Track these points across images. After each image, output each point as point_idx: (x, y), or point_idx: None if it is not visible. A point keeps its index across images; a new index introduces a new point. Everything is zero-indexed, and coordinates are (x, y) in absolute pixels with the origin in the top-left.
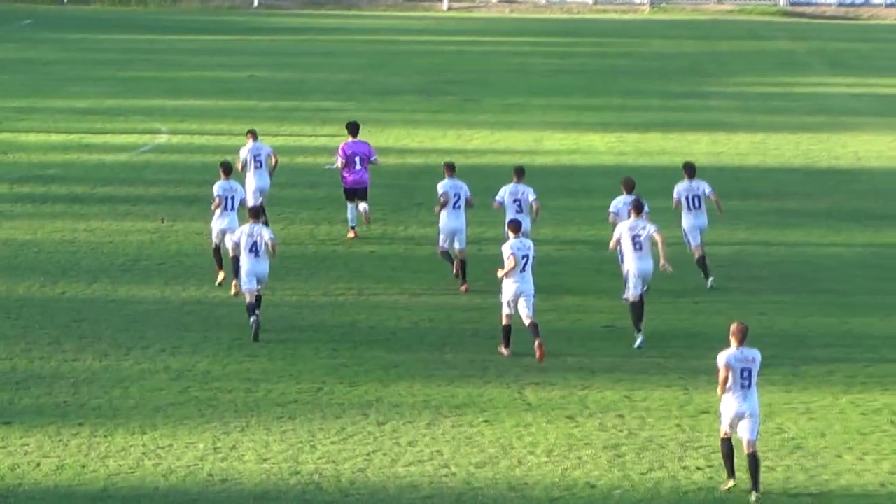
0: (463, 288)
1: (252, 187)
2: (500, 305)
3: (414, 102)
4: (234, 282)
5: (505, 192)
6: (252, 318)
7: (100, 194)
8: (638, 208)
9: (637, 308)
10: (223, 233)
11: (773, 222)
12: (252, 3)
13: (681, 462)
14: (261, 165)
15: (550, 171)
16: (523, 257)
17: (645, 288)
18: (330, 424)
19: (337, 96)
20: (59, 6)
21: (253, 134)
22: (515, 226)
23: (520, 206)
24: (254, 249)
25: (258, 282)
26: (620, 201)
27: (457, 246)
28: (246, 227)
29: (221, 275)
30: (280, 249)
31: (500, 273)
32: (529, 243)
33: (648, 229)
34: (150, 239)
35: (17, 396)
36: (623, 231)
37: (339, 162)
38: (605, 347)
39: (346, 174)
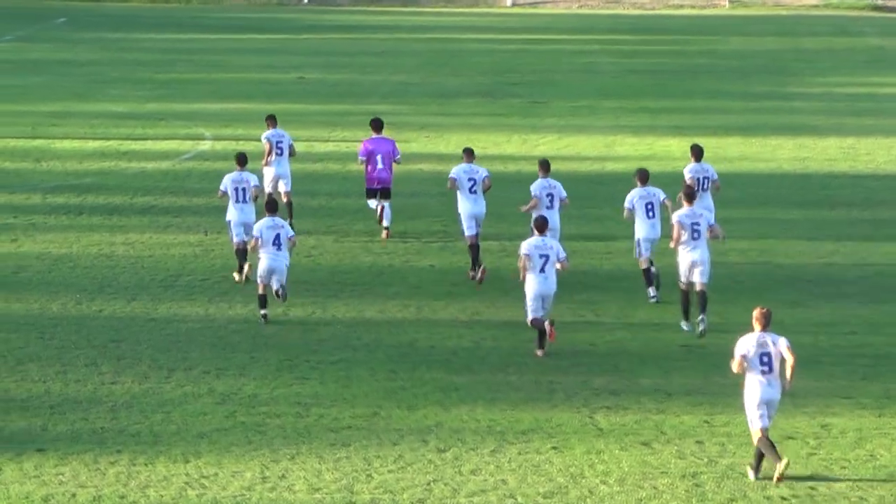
0: (472, 275)
1: (271, 174)
2: (526, 307)
3: (476, 105)
4: (238, 270)
5: (536, 188)
6: (263, 312)
7: (139, 205)
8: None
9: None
10: (243, 226)
11: (864, 233)
12: None
13: (763, 492)
14: (282, 153)
15: (622, 178)
16: (541, 257)
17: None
18: (386, 452)
19: (392, 99)
20: (96, 3)
21: (272, 120)
22: (541, 223)
23: (551, 201)
24: (276, 243)
25: (276, 275)
26: (636, 195)
27: (474, 231)
28: (266, 220)
29: (237, 276)
30: (333, 263)
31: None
32: (552, 243)
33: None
34: (194, 253)
35: (52, 422)
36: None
37: (360, 159)
38: (681, 368)
39: (368, 172)
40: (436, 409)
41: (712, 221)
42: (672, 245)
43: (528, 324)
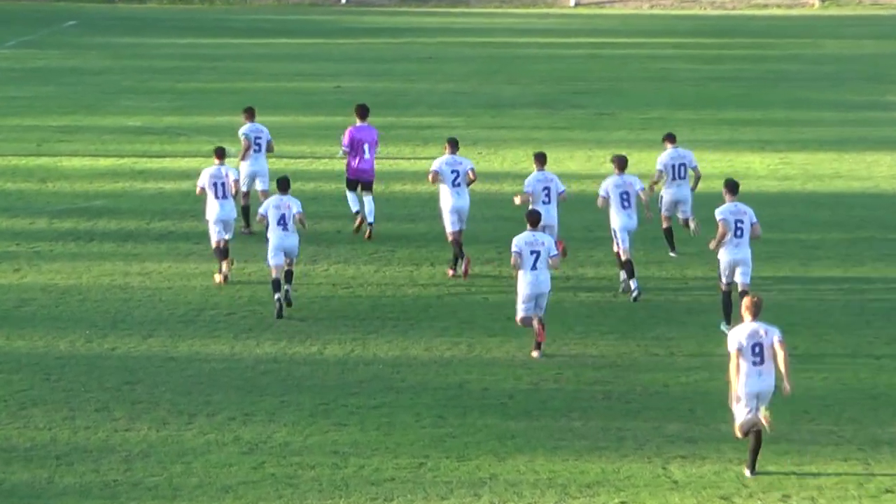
0: (453, 273)
1: (246, 171)
2: (517, 306)
3: (535, 117)
4: (219, 271)
5: (530, 181)
6: (276, 296)
7: (157, 230)
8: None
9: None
10: (223, 223)
11: None
12: None
13: None
14: (260, 149)
15: (699, 198)
16: (532, 253)
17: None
18: None
19: (441, 111)
20: (110, 5)
21: (250, 113)
22: (533, 218)
23: (548, 195)
24: (282, 222)
25: (286, 256)
26: (612, 183)
27: (457, 227)
28: (273, 199)
29: (219, 277)
30: (374, 295)
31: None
32: (543, 238)
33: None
34: (217, 284)
35: (58, 474)
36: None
37: (343, 149)
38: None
39: (350, 162)
40: (489, 460)
41: (755, 219)
42: (712, 245)
43: (518, 322)
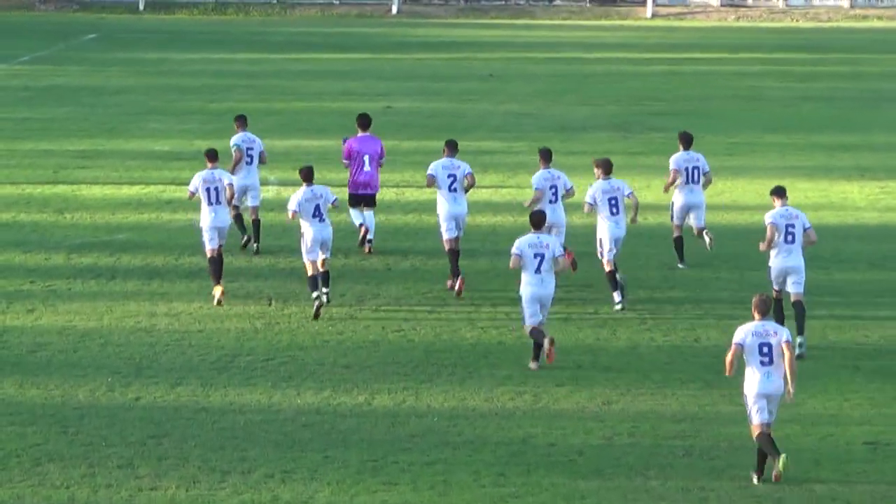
0: (451, 284)
1: (236, 185)
2: (523, 312)
3: (607, 142)
4: (217, 288)
5: (538, 179)
6: (315, 294)
7: (186, 267)
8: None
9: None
10: (217, 231)
11: None
12: (390, 9)
13: None
14: (252, 161)
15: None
16: (536, 256)
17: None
18: None
19: (503, 134)
20: (134, 16)
21: (242, 122)
22: (537, 219)
23: (555, 193)
24: (317, 214)
25: (323, 249)
26: (599, 188)
27: (454, 234)
28: (303, 191)
29: (219, 290)
30: (429, 340)
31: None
32: (548, 240)
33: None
34: (254, 327)
35: None
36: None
37: (344, 162)
38: (865, 472)
39: (352, 176)
40: None
41: (808, 224)
42: (763, 247)
43: (527, 334)
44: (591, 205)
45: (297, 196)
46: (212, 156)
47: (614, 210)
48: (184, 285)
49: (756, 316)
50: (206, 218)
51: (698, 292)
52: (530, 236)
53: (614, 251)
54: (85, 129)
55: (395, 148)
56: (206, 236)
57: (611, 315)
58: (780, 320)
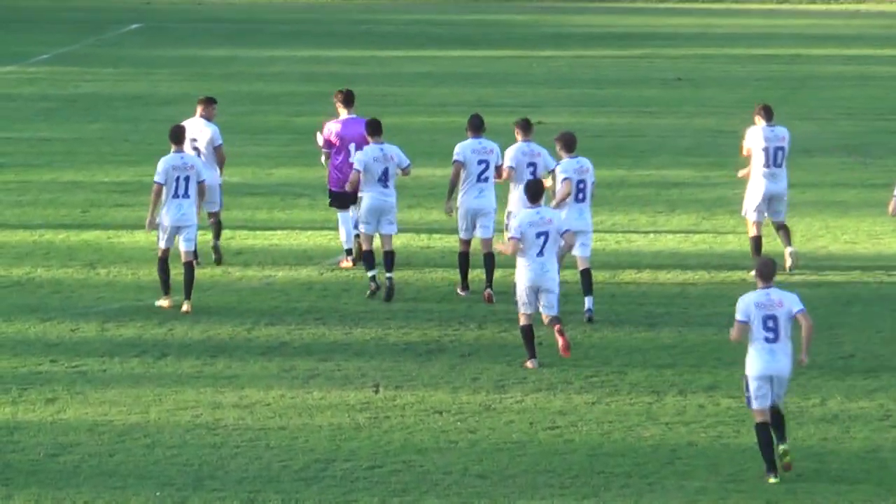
0: (485, 295)
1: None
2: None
3: (838, 169)
4: (164, 294)
5: (514, 152)
6: (372, 273)
7: (262, 340)
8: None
9: (585, 275)
10: (178, 230)
11: None
12: None
13: None
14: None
15: None
16: (539, 235)
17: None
18: None
19: (695, 158)
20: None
21: (205, 103)
22: (534, 188)
23: (533, 173)
24: (384, 178)
25: (382, 220)
26: (570, 167)
27: (479, 234)
28: (372, 150)
29: (167, 302)
30: (594, 440)
31: (499, 247)
32: (550, 214)
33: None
34: (355, 422)
35: None
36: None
37: (324, 151)
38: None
39: (333, 169)
40: None
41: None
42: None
43: (520, 326)
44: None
45: (364, 151)
46: (177, 135)
47: (581, 195)
48: (259, 365)
49: (759, 283)
50: (167, 211)
51: None
52: (530, 213)
53: (587, 247)
54: (124, 152)
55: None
56: (161, 233)
57: (842, 408)
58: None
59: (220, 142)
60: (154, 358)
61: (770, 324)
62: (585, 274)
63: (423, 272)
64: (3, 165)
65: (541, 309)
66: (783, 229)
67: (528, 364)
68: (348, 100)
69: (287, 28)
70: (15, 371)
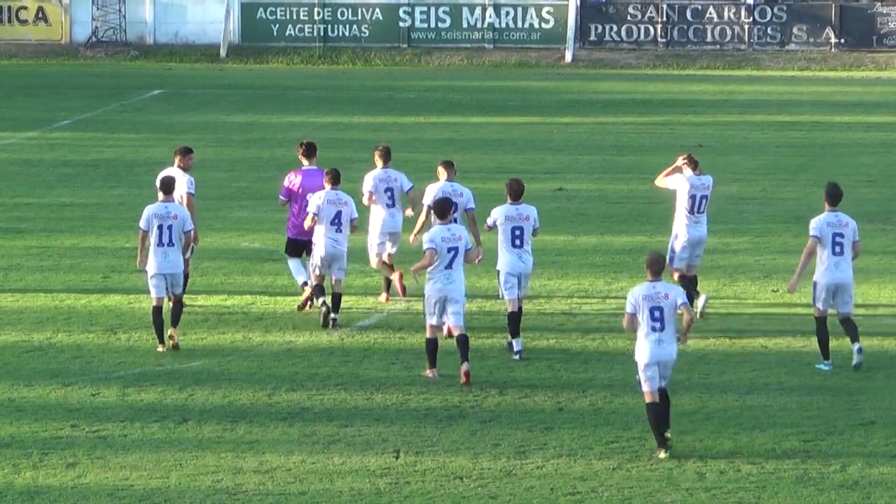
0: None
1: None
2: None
3: (861, 237)
4: (160, 342)
5: (372, 179)
6: (322, 300)
7: (283, 406)
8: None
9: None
10: (164, 278)
11: None
12: (563, 55)
13: None
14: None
15: None
16: (449, 251)
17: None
18: None
19: (718, 226)
20: (213, 64)
21: (182, 153)
22: (441, 208)
23: (391, 196)
24: (336, 222)
25: (333, 268)
26: (502, 214)
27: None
28: (327, 193)
29: (162, 349)
30: None
31: (414, 268)
32: (460, 232)
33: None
34: (375, 488)
35: None
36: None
37: (281, 199)
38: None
39: (291, 217)
40: None
41: (856, 237)
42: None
43: (426, 338)
44: (489, 227)
45: (318, 195)
46: (167, 185)
47: (517, 242)
48: (279, 431)
49: (648, 276)
50: (153, 260)
51: None
52: (439, 229)
53: (521, 287)
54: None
55: (568, 244)
56: (150, 283)
57: (863, 474)
58: (827, 345)
59: (191, 190)
60: (175, 423)
61: (657, 314)
62: (517, 314)
63: (443, 338)
64: (24, 231)
65: (447, 320)
66: (693, 280)
67: (428, 373)
68: (309, 151)
69: (308, 94)
70: (36, 436)
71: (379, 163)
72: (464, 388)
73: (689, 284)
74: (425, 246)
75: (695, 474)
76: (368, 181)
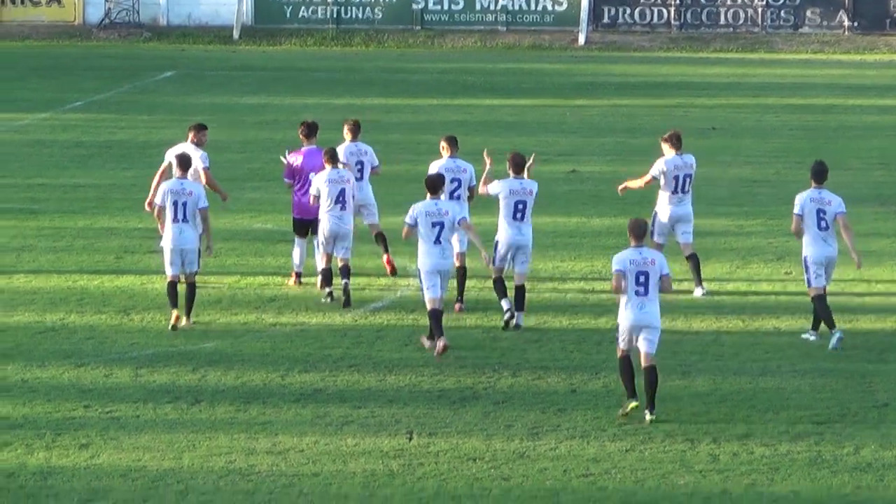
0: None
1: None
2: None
3: (871, 219)
4: (174, 316)
5: (345, 151)
6: (328, 290)
7: (296, 387)
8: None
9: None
10: (181, 254)
11: None
12: (576, 38)
13: None
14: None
15: None
16: (435, 225)
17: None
18: None
19: (730, 209)
20: (226, 46)
21: (196, 129)
22: (432, 183)
23: (360, 170)
24: (340, 200)
25: (339, 245)
26: (506, 188)
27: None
28: (329, 172)
29: (175, 315)
30: (629, 485)
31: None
32: (447, 207)
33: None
34: (389, 469)
35: None
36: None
37: (286, 182)
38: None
39: (295, 197)
40: None
41: (841, 208)
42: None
43: (428, 309)
44: (488, 195)
45: (321, 175)
46: (184, 163)
47: (519, 215)
48: (293, 412)
49: (632, 241)
50: (168, 237)
51: None
52: (426, 203)
53: (524, 262)
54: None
55: (581, 226)
56: (166, 259)
57: (876, 456)
58: (822, 319)
59: (206, 164)
60: (187, 404)
61: (641, 279)
62: (520, 289)
63: (457, 319)
64: (37, 211)
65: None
66: (692, 258)
67: (425, 342)
68: (310, 131)
69: (321, 75)
70: (49, 416)
71: (348, 136)
72: (476, 370)
73: (694, 268)
74: (405, 220)
75: (708, 456)
76: (339, 155)
